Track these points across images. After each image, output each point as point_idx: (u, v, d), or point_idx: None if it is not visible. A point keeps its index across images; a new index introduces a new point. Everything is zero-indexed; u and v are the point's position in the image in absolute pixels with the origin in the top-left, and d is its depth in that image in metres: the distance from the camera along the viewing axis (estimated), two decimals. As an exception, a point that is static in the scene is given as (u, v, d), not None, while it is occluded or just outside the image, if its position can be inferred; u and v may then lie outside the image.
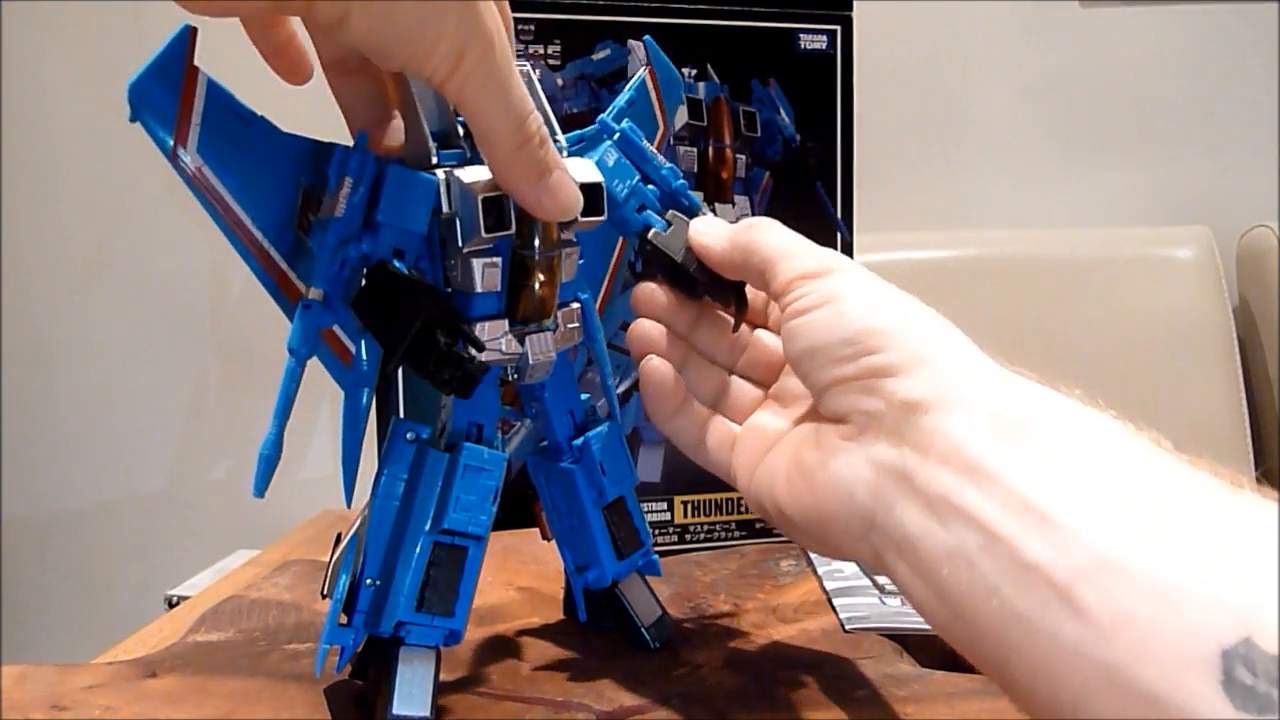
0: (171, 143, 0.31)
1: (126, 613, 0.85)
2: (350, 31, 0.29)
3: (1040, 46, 1.19)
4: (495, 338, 0.36)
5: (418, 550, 0.35)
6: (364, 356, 0.34)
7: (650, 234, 0.40)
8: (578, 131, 0.41)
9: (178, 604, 0.70)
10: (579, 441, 0.41)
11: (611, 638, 0.45)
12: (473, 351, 0.33)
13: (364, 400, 0.35)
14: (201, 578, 0.92)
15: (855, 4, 0.68)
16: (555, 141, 0.37)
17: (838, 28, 0.68)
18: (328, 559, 0.39)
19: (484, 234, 0.34)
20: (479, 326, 0.35)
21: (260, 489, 0.33)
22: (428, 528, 0.35)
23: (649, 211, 0.40)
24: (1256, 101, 1.18)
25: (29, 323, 1.21)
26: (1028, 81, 1.19)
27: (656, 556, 0.45)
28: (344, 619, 0.35)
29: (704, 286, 0.40)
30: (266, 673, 0.41)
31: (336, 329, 0.34)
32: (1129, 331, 1.07)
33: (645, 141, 0.41)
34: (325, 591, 0.39)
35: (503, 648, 0.44)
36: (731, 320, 0.40)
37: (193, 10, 0.28)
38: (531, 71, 0.36)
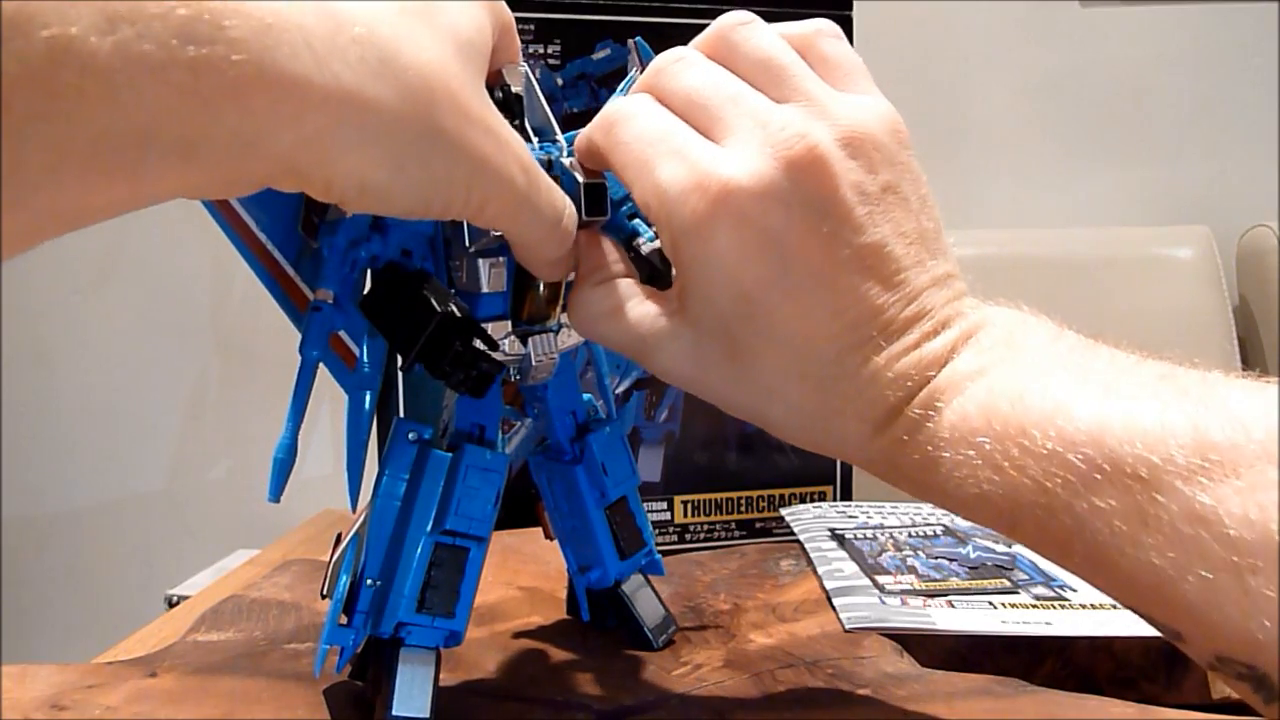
0: None
1: (126, 613, 0.85)
2: (350, 209, 0.28)
3: (1040, 46, 1.19)
4: (499, 339, 0.35)
5: (419, 551, 0.35)
6: (366, 359, 0.34)
7: (636, 242, 0.40)
8: (573, 133, 0.41)
9: (178, 604, 0.70)
10: (580, 442, 0.41)
11: (611, 637, 0.45)
12: (487, 351, 0.33)
13: (367, 403, 0.34)
14: (201, 578, 0.92)
15: (855, 4, 0.68)
16: (555, 143, 0.37)
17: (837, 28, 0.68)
18: (327, 559, 0.39)
19: (491, 234, 0.34)
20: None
21: (275, 493, 0.32)
22: (429, 528, 0.35)
23: (638, 221, 0.40)
24: (1256, 101, 1.18)
25: (29, 322, 1.21)
26: (1028, 81, 1.19)
27: (659, 556, 0.45)
28: (344, 619, 0.35)
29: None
30: (266, 673, 0.41)
31: (341, 332, 0.34)
32: (1129, 331, 1.06)
33: None
34: (325, 592, 0.39)
35: (503, 647, 0.44)
36: None
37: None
38: (530, 72, 0.36)
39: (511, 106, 0.35)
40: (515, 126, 0.33)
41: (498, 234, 0.34)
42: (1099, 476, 0.26)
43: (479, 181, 0.28)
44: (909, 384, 0.30)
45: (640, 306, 0.33)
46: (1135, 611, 0.27)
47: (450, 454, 0.36)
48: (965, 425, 0.29)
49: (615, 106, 0.34)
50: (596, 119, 0.34)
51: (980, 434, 0.28)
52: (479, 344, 0.33)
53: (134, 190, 0.22)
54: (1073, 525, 0.27)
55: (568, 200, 0.33)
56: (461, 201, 0.29)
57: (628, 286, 0.34)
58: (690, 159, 0.31)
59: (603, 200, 0.36)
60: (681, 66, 0.33)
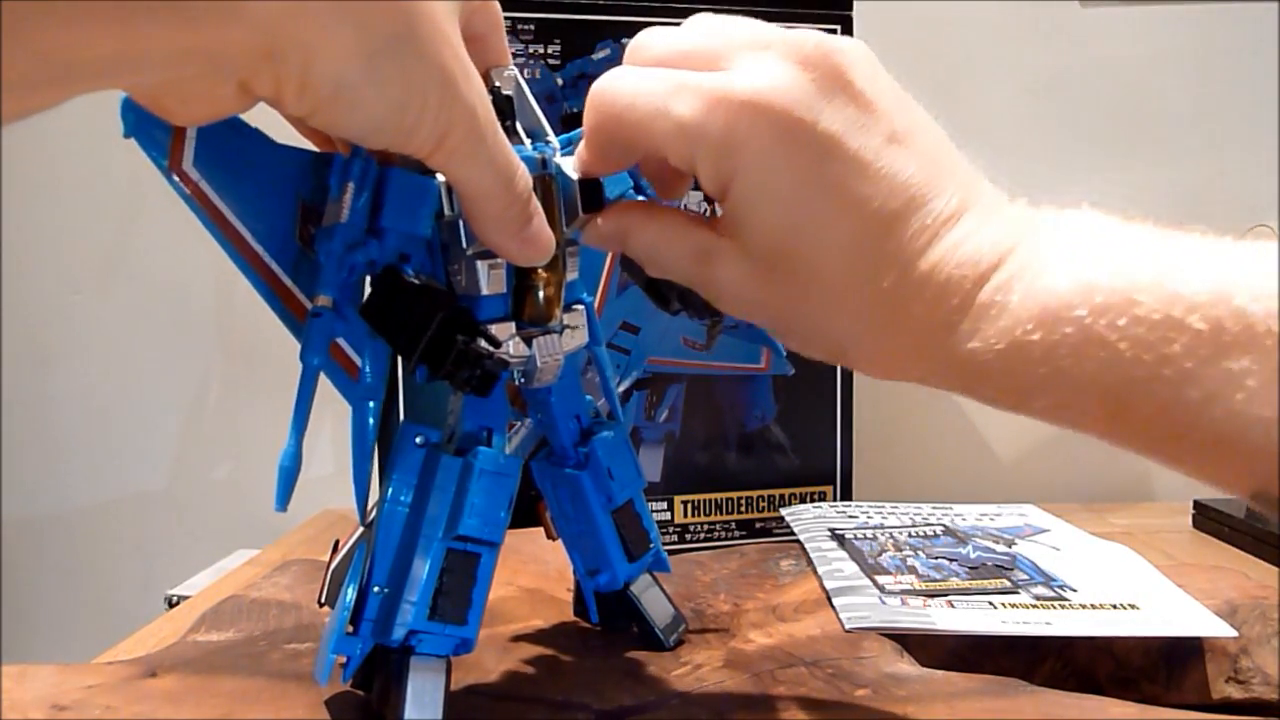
0: (166, 160, 0.30)
1: (126, 613, 0.85)
2: (316, 123, 0.27)
3: (1040, 46, 1.19)
4: (503, 340, 0.35)
5: (430, 557, 0.34)
6: (369, 369, 0.34)
7: None
8: (567, 135, 0.41)
9: (178, 604, 0.70)
10: (585, 447, 0.41)
11: (612, 638, 0.45)
12: (490, 349, 0.33)
13: (371, 412, 0.34)
14: (201, 578, 0.92)
15: (855, 4, 0.68)
16: (547, 143, 0.36)
17: (838, 28, 0.68)
18: (326, 561, 0.39)
19: None
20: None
21: (282, 503, 0.32)
22: (441, 534, 0.34)
23: None
24: (1256, 101, 1.18)
25: (29, 322, 1.21)
26: (1028, 81, 1.19)
27: (665, 553, 0.45)
28: (350, 629, 0.34)
29: (678, 296, 0.39)
30: (266, 673, 0.41)
31: (341, 342, 0.33)
32: (1129, 331, 1.07)
33: None
34: (323, 600, 0.38)
35: (503, 648, 0.44)
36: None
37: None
38: (519, 75, 0.36)
39: (502, 109, 0.35)
40: (506, 128, 0.33)
41: None
42: (1227, 340, 0.24)
43: (447, 100, 0.28)
44: (976, 270, 0.29)
45: (693, 233, 0.34)
46: (1268, 506, 0.25)
47: (460, 458, 0.35)
48: (1056, 302, 0.27)
49: (597, 86, 0.33)
50: (585, 112, 0.34)
51: (1077, 308, 0.27)
52: (482, 342, 0.32)
53: (123, 42, 0.22)
54: (1198, 399, 0.24)
55: (523, 166, 0.32)
56: (430, 122, 0.28)
57: (673, 214, 0.34)
58: (702, 88, 0.31)
59: (599, 195, 0.36)
60: (661, 32, 0.33)
